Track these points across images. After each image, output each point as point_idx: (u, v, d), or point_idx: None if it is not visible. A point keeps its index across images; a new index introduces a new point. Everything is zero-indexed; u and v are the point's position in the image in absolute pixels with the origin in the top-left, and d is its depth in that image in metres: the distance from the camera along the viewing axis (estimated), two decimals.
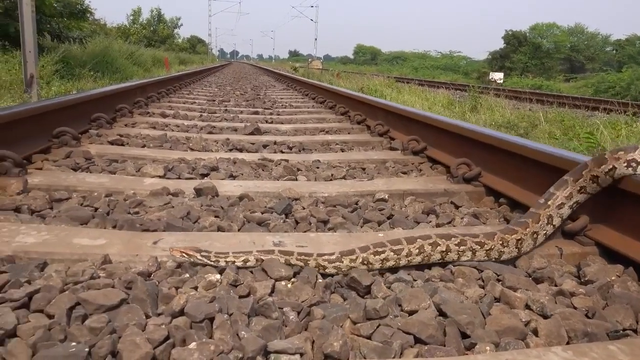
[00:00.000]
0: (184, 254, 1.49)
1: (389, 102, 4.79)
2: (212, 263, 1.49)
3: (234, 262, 1.50)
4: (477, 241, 1.60)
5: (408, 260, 1.55)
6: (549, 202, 1.73)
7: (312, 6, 63.36)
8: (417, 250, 1.55)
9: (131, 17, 55.81)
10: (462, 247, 1.58)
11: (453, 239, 1.59)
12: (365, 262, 1.51)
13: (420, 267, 1.60)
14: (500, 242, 1.62)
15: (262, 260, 1.50)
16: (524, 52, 52.04)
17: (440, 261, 1.59)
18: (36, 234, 1.65)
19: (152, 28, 57.28)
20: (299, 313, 1.27)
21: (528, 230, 1.66)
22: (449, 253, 1.58)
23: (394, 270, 1.57)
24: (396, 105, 4.42)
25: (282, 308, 1.28)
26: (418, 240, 1.56)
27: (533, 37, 54.95)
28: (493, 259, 1.63)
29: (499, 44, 56.08)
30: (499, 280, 1.50)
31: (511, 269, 1.61)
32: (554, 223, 1.73)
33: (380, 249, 1.52)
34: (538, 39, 55.31)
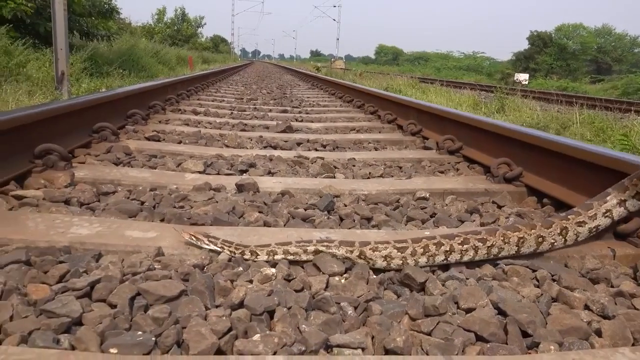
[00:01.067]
0: (192, 237, 1.53)
1: (421, 102, 4.76)
2: (218, 249, 1.53)
3: (234, 252, 1.52)
4: (479, 238, 1.57)
5: (415, 260, 1.53)
6: (570, 217, 1.68)
7: (334, 6, 63.32)
8: (422, 250, 1.53)
9: (156, 17, 56.56)
10: (465, 246, 1.56)
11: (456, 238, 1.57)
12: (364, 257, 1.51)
13: (470, 265, 1.59)
14: (502, 239, 1.59)
15: (257, 254, 1.51)
16: (549, 53, 51.23)
17: (444, 262, 1.56)
18: (89, 225, 1.68)
19: (176, 27, 57.89)
20: (355, 308, 1.27)
21: (533, 232, 1.62)
22: (452, 253, 1.56)
23: (444, 267, 1.56)
24: (429, 104, 4.39)
25: (339, 303, 1.27)
26: (423, 240, 1.54)
27: (558, 38, 54.05)
28: (492, 256, 1.60)
29: (524, 45, 55.30)
30: (554, 280, 1.48)
31: (565, 269, 1.58)
32: (566, 237, 1.67)
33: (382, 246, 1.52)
34: (564, 40, 54.40)
